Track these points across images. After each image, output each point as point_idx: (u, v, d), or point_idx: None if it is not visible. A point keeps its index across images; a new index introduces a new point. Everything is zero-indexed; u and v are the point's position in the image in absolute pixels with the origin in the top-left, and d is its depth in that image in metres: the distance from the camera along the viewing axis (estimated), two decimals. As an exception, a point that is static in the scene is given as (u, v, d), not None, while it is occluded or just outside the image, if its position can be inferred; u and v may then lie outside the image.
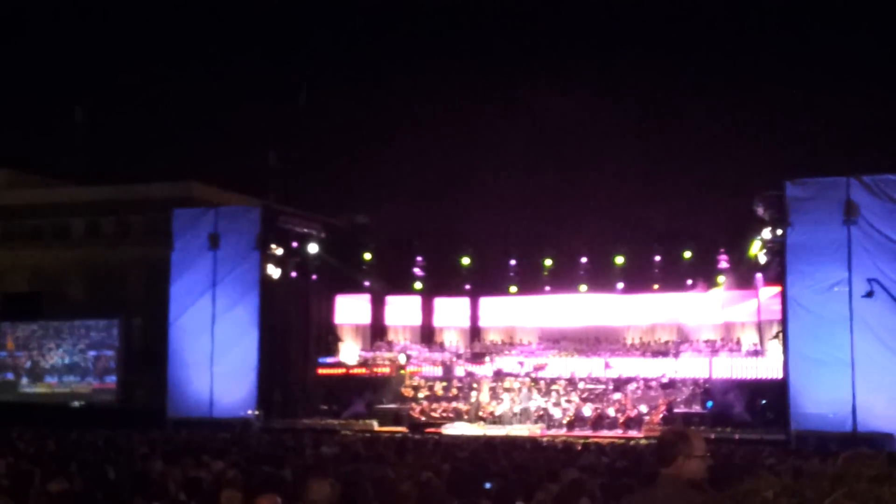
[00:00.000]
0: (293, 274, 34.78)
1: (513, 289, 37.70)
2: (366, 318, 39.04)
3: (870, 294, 24.66)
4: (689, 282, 34.81)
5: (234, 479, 10.48)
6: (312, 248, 34.29)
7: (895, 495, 2.13)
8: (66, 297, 40.87)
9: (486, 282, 38.03)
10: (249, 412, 30.91)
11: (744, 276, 33.46)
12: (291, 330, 35.49)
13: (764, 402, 30.38)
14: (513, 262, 37.47)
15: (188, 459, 13.54)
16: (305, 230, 34.68)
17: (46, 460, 13.66)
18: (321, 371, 36.04)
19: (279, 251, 33.14)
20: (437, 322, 40.02)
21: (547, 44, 56.46)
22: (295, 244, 34.14)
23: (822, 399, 26.03)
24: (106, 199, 42.02)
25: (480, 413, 31.84)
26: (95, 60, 54.80)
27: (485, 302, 39.44)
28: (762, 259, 31.15)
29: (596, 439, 26.02)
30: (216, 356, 31.64)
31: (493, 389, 32.80)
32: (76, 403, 37.18)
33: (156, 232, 36.70)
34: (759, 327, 34.07)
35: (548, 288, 37.62)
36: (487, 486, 9.70)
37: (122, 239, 41.80)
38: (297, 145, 45.76)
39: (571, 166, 45.08)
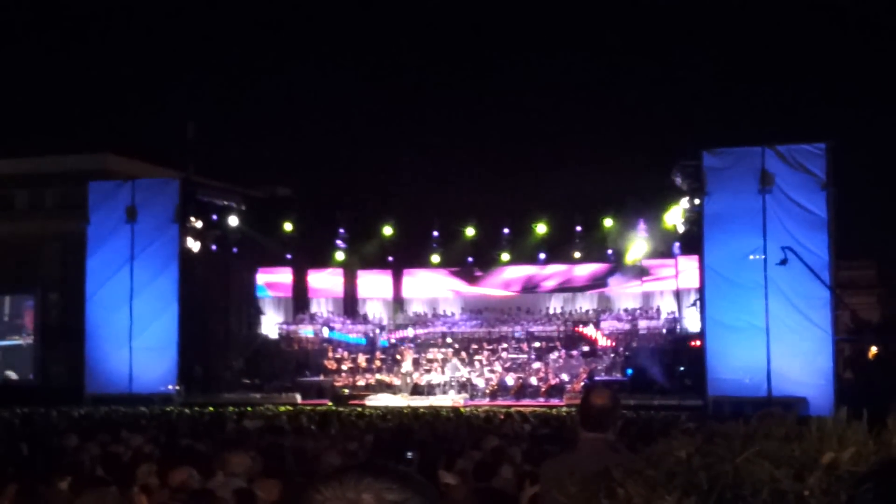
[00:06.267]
0: (213, 247, 34.37)
1: (435, 259, 37.66)
2: (288, 290, 38.80)
3: (784, 262, 25.14)
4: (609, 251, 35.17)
5: (151, 453, 10.35)
6: (233, 220, 33.88)
7: (805, 453, 2.17)
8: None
9: (409, 253, 37.94)
10: (170, 387, 30.54)
11: (663, 245, 33.87)
12: (212, 303, 35.09)
13: (682, 368, 30.91)
14: (435, 233, 37.42)
15: (106, 435, 13.33)
16: (225, 203, 34.24)
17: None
18: (245, 345, 35.75)
19: (199, 224, 32.68)
20: (360, 294, 39.94)
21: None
22: (215, 217, 33.69)
23: (737, 365, 26.52)
24: (19, 172, 41.03)
25: (404, 384, 31.88)
26: (9, 29, 53.41)
27: (408, 273, 39.45)
28: (681, 228, 31.57)
29: (518, 408, 26.23)
30: (135, 331, 31.13)
31: (416, 360, 32.86)
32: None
33: (71, 205, 35.92)
34: (678, 295, 34.60)
35: (470, 259, 37.71)
36: (409, 455, 9.72)
37: (36, 212, 40.86)
38: (216, 117, 45.20)
39: (494, 139, 45.29)
